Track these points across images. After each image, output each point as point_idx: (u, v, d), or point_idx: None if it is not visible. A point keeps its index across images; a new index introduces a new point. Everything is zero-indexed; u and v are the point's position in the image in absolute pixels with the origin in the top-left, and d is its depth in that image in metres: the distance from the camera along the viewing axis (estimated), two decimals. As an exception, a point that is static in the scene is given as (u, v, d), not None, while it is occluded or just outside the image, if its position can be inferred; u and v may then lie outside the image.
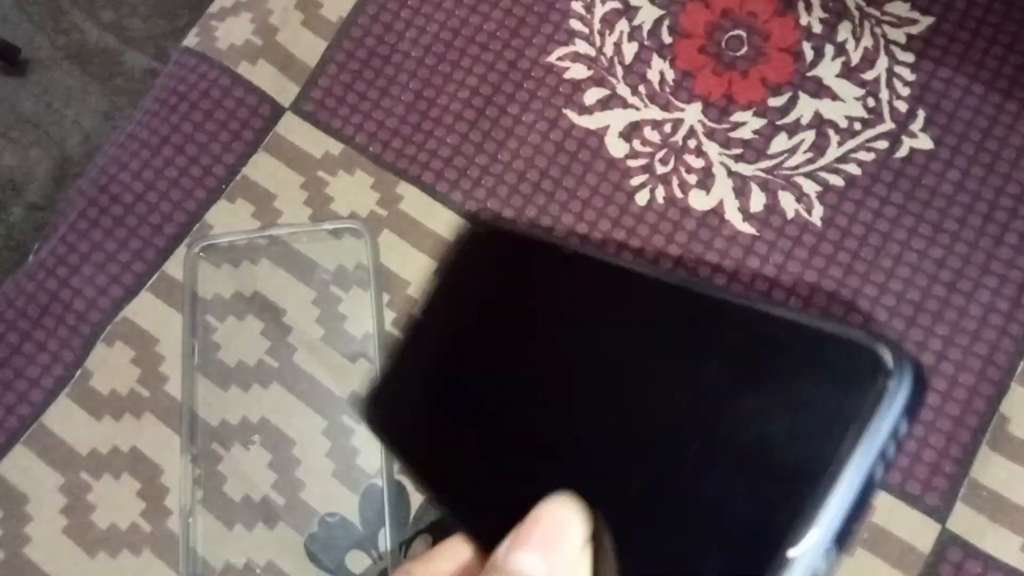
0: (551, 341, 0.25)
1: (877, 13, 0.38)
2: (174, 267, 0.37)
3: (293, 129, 0.39)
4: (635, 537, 0.19)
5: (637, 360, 0.22)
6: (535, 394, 0.24)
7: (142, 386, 0.36)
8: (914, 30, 0.38)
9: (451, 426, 0.26)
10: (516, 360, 0.26)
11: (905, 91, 0.37)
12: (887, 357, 0.16)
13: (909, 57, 0.38)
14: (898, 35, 0.38)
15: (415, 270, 0.36)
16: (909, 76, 0.37)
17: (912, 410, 0.16)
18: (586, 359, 0.23)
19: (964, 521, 0.32)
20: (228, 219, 0.38)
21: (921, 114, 0.37)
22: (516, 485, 0.23)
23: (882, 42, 0.38)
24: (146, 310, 0.37)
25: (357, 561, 0.33)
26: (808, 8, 0.38)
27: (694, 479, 0.18)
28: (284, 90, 0.39)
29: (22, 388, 0.36)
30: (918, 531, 0.32)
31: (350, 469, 0.34)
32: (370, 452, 0.34)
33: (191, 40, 0.41)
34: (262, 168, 0.38)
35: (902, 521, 0.33)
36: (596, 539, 0.20)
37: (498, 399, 0.25)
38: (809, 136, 0.37)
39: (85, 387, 0.36)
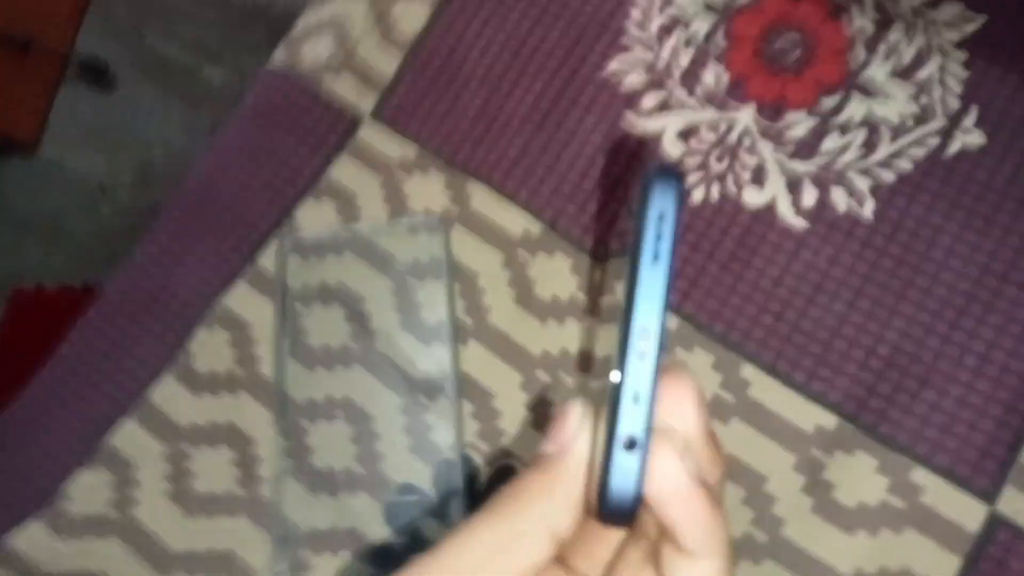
0: None
1: (931, 13, 0.39)
2: (267, 260, 0.41)
3: (373, 135, 0.42)
4: None
5: None
6: None
7: (238, 366, 0.39)
8: (967, 29, 0.39)
9: None
10: None
11: (957, 89, 0.38)
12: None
13: (961, 56, 0.39)
14: (951, 35, 0.39)
15: (484, 263, 0.39)
16: (962, 74, 0.38)
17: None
18: None
19: (1013, 504, 0.33)
20: (315, 216, 0.41)
21: (973, 111, 0.38)
22: None
23: (934, 42, 0.39)
24: (241, 298, 0.40)
25: (430, 527, 0.36)
26: (861, 11, 0.40)
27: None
28: (364, 99, 0.43)
29: (130, 367, 0.40)
30: (966, 512, 0.33)
31: (424, 443, 0.37)
32: (443, 428, 0.37)
33: (278, 57, 0.45)
34: (345, 170, 0.42)
35: (951, 502, 0.34)
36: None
37: None
38: (861, 134, 0.38)
39: (187, 367, 0.40)
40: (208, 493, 0.38)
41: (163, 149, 1.42)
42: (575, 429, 0.24)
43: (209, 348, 0.40)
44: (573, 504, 0.23)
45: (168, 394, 0.40)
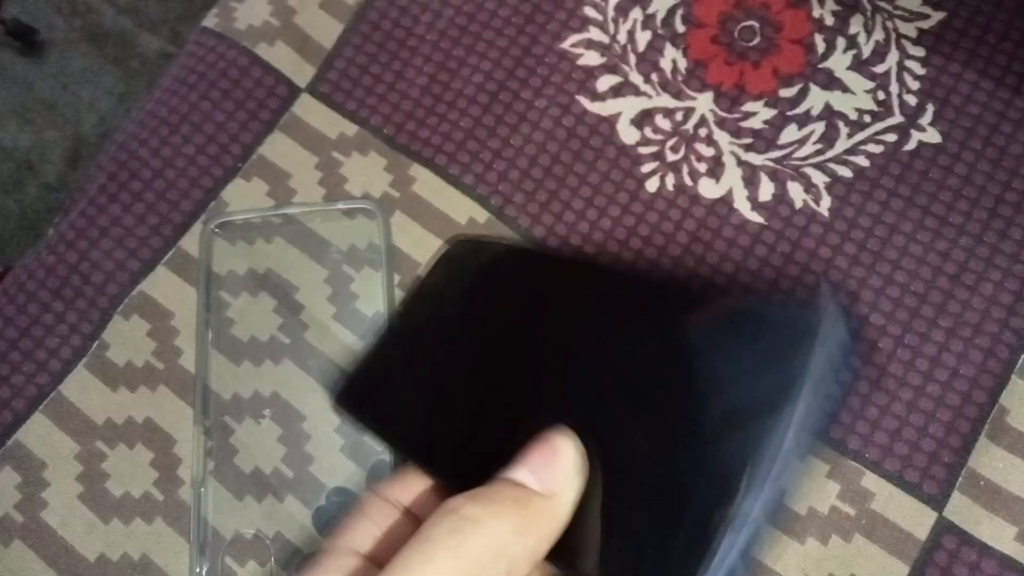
0: (527, 331, 0.26)
1: (889, 7, 0.38)
2: (190, 243, 0.38)
3: (309, 110, 0.39)
4: (618, 484, 0.22)
5: (610, 346, 0.23)
6: (509, 377, 0.25)
7: (157, 359, 0.37)
8: (925, 24, 0.38)
9: (432, 405, 0.27)
10: (492, 350, 0.27)
11: (915, 85, 0.37)
12: (810, 320, 0.20)
13: (920, 51, 0.38)
14: (909, 29, 0.38)
15: (426, 251, 0.37)
16: (919, 70, 0.38)
17: (840, 357, 0.19)
18: (560, 348, 0.25)
19: (961, 510, 0.33)
20: (243, 197, 0.38)
21: (930, 108, 0.37)
22: (496, 444, 0.24)
23: (893, 36, 0.38)
24: (162, 284, 0.37)
25: (364, 533, 0.33)
26: (820, 1, 0.39)
27: (669, 441, 0.21)
28: (301, 71, 0.40)
29: (41, 358, 0.37)
30: (915, 518, 0.33)
31: (358, 445, 0.34)
32: (379, 428, 0.35)
33: (210, 20, 0.41)
34: (278, 148, 0.39)
35: (899, 508, 0.33)
36: (587, 470, 0.22)
37: (474, 381, 0.26)
38: (819, 127, 0.37)
39: (102, 358, 0.37)
40: (124, 495, 0.35)
41: (95, 124, 1.35)
42: (569, 475, 0.21)
43: (126, 338, 0.37)
44: (542, 550, 0.21)
45: (81, 388, 0.37)
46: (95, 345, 0.37)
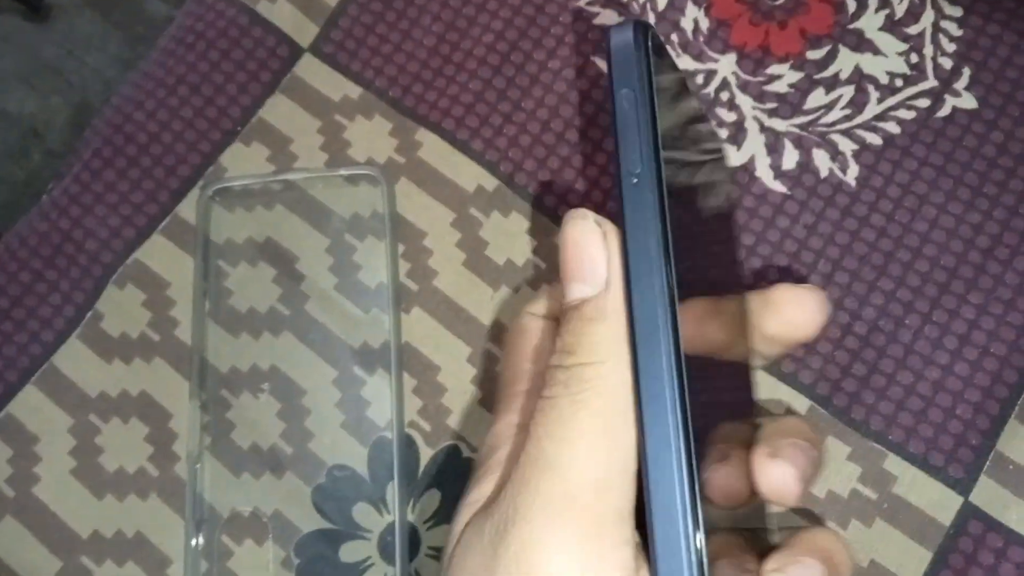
0: None
1: (925, -36, 0.36)
2: (187, 210, 0.36)
3: (312, 71, 0.38)
4: None
5: None
6: None
7: (152, 330, 0.35)
8: (963, -17, 0.36)
9: None
10: None
11: (951, 47, 0.35)
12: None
13: (956, 11, 0.36)
14: (946, -12, 0.36)
15: (432, 220, 0.35)
16: (955, 31, 0.35)
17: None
18: None
19: (987, 494, 0.31)
20: (243, 162, 0.37)
21: (966, 72, 0.35)
22: None
23: (928, -5, 0.36)
24: (158, 253, 0.36)
25: (364, 514, 0.32)
26: (852, -43, 0.36)
27: None
28: (303, 30, 0.38)
29: (34, 328, 0.36)
30: (939, 503, 0.31)
31: (359, 421, 0.33)
32: (380, 404, 0.33)
33: (209, -23, 0.40)
34: (279, 111, 0.37)
35: (923, 492, 0.32)
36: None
37: None
38: (848, 92, 0.35)
39: (96, 329, 0.36)
40: (118, 471, 0.34)
41: (101, 90, 1.33)
42: (604, 253, 0.22)
43: (121, 308, 0.36)
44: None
45: (75, 359, 0.35)
46: (89, 315, 0.36)
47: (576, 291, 0.22)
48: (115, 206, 0.37)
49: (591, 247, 0.22)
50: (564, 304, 0.22)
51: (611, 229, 0.22)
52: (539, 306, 0.27)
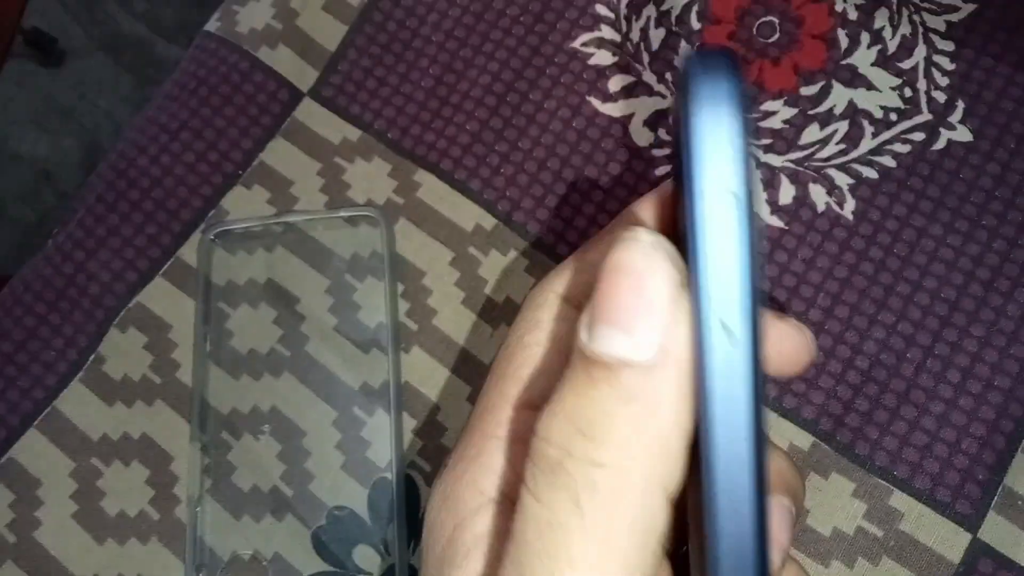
0: None
1: (916, 0, 0.37)
2: (189, 253, 0.37)
3: (311, 115, 0.38)
4: None
5: None
6: None
7: (154, 373, 0.35)
8: (954, 17, 0.36)
9: None
10: None
11: (944, 81, 0.36)
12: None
13: (949, 46, 0.36)
14: (937, 23, 0.36)
15: (431, 260, 0.36)
16: (948, 65, 0.36)
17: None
18: None
19: (997, 531, 0.31)
20: (244, 205, 0.37)
21: (960, 105, 0.35)
22: None
23: (920, 30, 0.36)
24: (160, 296, 0.36)
25: (365, 555, 0.32)
26: (843, -6, 0.37)
27: None
28: (303, 75, 0.39)
29: (36, 372, 0.36)
30: (947, 540, 0.31)
31: (360, 462, 0.33)
32: (380, 445, 0.33)
33: (212, 25, 0.40)
34: (279, 154, 0.38)
35: (931, 529, 0.31)
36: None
37: None
38: (842, 126, 0.35)
39: (98, 372, 0.36)
40: (119, 515, 0.34)
41: (112, 131, 1.35)
42: (670, 310, 0.15)
43: (123, 352, 0.36)
44: (685, 437, 0.15)
45: (77, 403, 0.36)
46: (91, 358, 0.36)
47: (612, 343, 0.15)
48: (118, 250, 0.37)
49: (651, 290, 0.15)
50: (588, 349, 0.16)
51: (681, 277, 0.15)
52: (560, 282, 0.21)
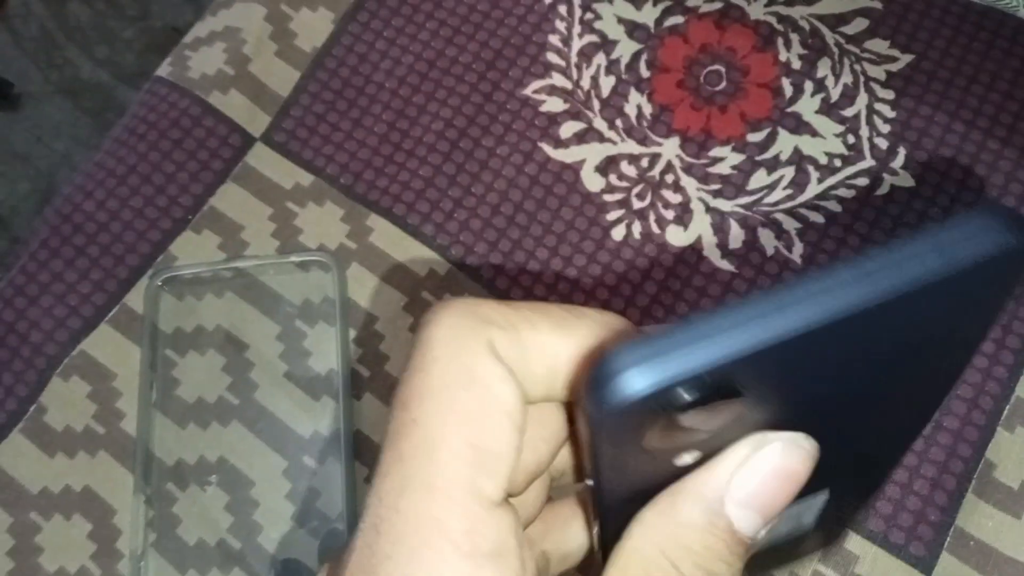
0: None
1: (856, 50, 0.38)
2: (135, 299, 0.36)
3: (263, 159, 0.38)
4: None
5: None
6: None
7: (98, 422, 0.34)
8: (894, 67, 0.37)
9: None
10: None
11: (885, 128, 0.37)
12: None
13: (889, 94, 0.37)
14: (878, 72, 0.37)
15: (383, 305, 0.35)
16: (889, 113, 0.37)
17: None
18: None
19: (951, 572, 0.31)
20: (193, 250, 0.37)
21: (902, 151, 0.36)
22: None
23: (862, 79, 0.37)
24: (105, 343, 0.35)
25: (314, 610, 0.31)
26: (787, 44, 0.38)
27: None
28: (255, 120, 0.39)
29: (-27, 423, 0.35)
30: (903, 583, 0.31)
31: (310, 512, 0.32)
32: (332, 494, 0.32)
33: (164, 70, 0.40)
34: (230, 199, 0.37)
35: (885, 571, 0.31)
36: None
37: None
38: (789, 172, 0.36)
39: (39, 423, 0.35)
40: (58, 572, 0.33)
41: (69, 175, 1.34)
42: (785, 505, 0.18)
43: (65, 401, 0.35)
44: None
45: (16, 454, 0.34)
46: (32, 408, 0.35)
47: (754, 524, 0.17)
48: (62, 296, 0.36)
49: (792, 493, 0.18)
50: (715, 505, 0.17)
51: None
52: (496, 334, 0.17)
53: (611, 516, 0.18)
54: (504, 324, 0.17)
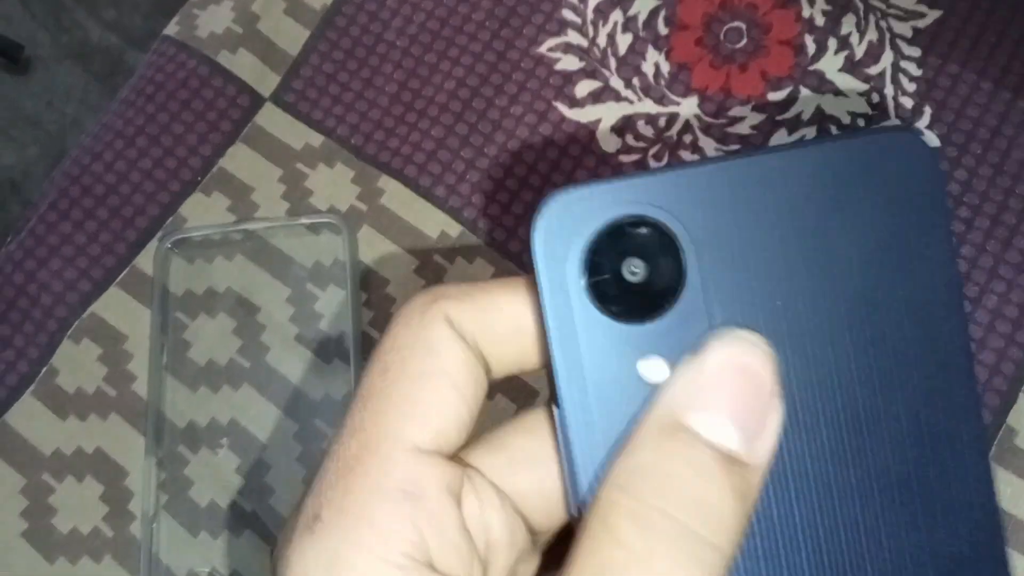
0: None
1: (882, 6, 0.36)
2: (145, 262, 0.36)
3: (273, 120, 0.37)
4: None
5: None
6: None
7: (109, 385, 0.34)
8: (920, 23, 0.36)
9: None
10: None
11: (911, 87, 0.35)
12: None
13: (915, 51, 0.36)
14: (904, 28, 0.36)
15: (395, 268, 0.35)
16: (915, 71, 0.36)
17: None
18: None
19: None
20: (203, 212, 0.36)
21: (927, 110, 0.35)
22: None
23: (887, 36, 0.36)
24: (115, 306, 0.35)
25: (327, 572, 0.31)
26: (811, 0, 0.37)
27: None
28: (264, 80, 0.38)
29: (-15, 385, 0.35)
30: None
31: (322, 475, 0.32)
32: (343, 457, 0.32)
33: (171, 29, 0.40)
34: (240, 160, 0.37)
35: None
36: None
37: None
38: (810, 132, 0.35)
39: (50, 385, 0.35)
40: (71, 532, 0.33)
41: (80, 140, 1.33)
42: (766, 406, 0.16)
43: (76, 364, 0.35)
44: None
45: (28, 416, 0.34)
46: (43, 371, 0.35)
47: (728, 434, 0.16)
48: (71, 259, 0.36)
49: (765, 399, 0.16)
50: (678, 422, 0.16)
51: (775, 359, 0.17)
52: (452, 307, 0.18)
53: (582, 449, 0.17)
54: (458, 295, 0.18)
